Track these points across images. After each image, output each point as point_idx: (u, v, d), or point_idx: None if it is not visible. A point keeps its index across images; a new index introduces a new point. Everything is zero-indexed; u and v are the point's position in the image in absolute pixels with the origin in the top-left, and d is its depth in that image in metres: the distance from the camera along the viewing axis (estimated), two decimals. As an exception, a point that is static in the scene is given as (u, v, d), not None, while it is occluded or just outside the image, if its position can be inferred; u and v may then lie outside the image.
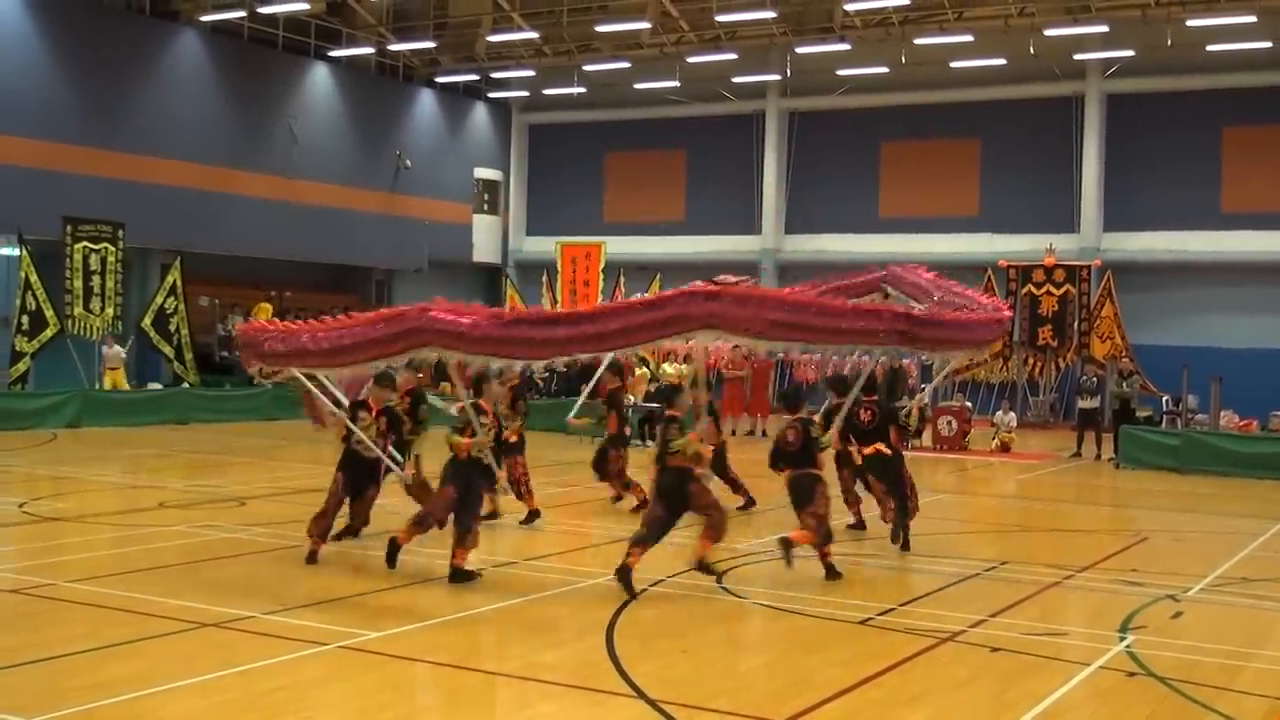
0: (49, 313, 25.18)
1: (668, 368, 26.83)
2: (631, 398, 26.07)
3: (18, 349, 24.98)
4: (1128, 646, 9.28)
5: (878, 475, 13.59)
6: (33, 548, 12.64)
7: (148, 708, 7.26)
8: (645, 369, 26.58)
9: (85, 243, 26.01)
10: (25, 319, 25.00)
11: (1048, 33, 32.04)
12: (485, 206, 40.19)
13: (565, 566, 11.93)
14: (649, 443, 24.25)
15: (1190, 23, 30.41)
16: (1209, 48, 31.16)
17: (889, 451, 13.36)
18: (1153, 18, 31.25)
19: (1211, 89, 32.37)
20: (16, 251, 25.75)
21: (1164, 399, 26.59)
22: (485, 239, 40.02)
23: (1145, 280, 32.57)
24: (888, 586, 11.47)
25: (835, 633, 9.70)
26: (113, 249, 26.44)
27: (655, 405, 24.87)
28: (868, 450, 13.52)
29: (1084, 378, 25.64)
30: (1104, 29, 31.73)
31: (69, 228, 25.73)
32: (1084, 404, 24.83)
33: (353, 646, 8.73)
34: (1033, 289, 32.06)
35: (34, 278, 25.03)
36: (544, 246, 36.89)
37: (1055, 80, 33.85)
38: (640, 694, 7.77)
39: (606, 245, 31.70)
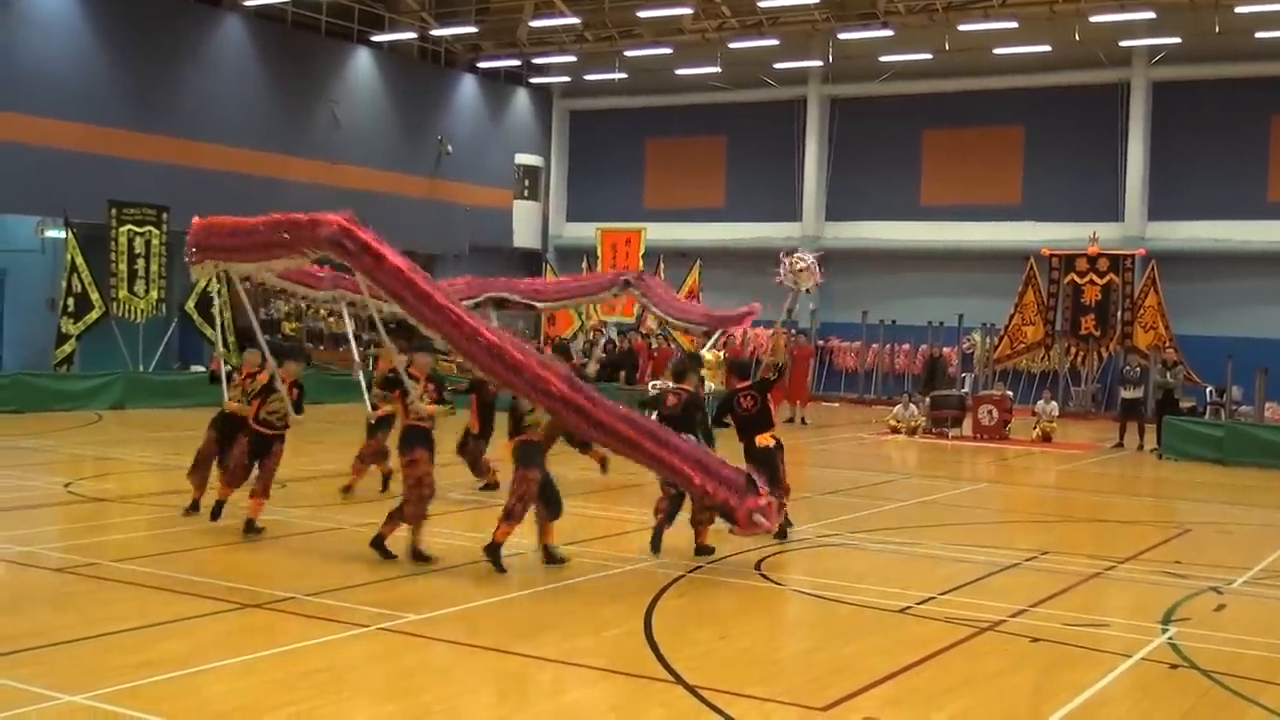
0: (94, 295, 25.41)
1: (705, 354, 26.81)
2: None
3: (63, 331, 25.24)
4: (1170, 638, 9.21)
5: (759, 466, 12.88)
6: (78, 527, 12.80)
7: (191, 686, 7.33)
8: (712, 354, 26.54)
9: (130, 226, 26.22)
10: (71, 301, 25.23)
11: (1093, 19, 31.74)
12: (526, 192, 40.28)
13: (603, 552, 11.94)
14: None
15: (1239, 9, 30.04)
16: (1257, 34, 30.79)
17: (772, 443, 12.71)
18: (1200, 4, 30.89)
19: (1259, 76, 32.00)
20: (63, 234, 26.00)
21: (1208, 390, 26.36)
22: (526, 224, 40.13)
23: (1190, 270, 32.24)
24: (927, 575, 11.42)
25: (874, 621, 9.67)
26: (157, 232, 26.65)
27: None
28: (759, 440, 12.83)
29: (1127, 368, 25.45)
30: (1150, 16, 31.39)
31: (114, 211, 25.95)
32: (1127, 394, 24.63)
33: (393, 629, 8.79)
34: (1075, 278, 31.82)
35: (80, 260, 25.25)
36: (584, 232, 36.93)
37: (1100, 67, 33.55)
38: (678, 679, 7.78)
39: (647, 231, 31.70)
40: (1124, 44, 32.83)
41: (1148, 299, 31.32)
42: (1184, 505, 17.49)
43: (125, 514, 13.28)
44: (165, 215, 26.71)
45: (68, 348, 25.30)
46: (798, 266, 13.86)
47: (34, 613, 9.06)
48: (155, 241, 26.59)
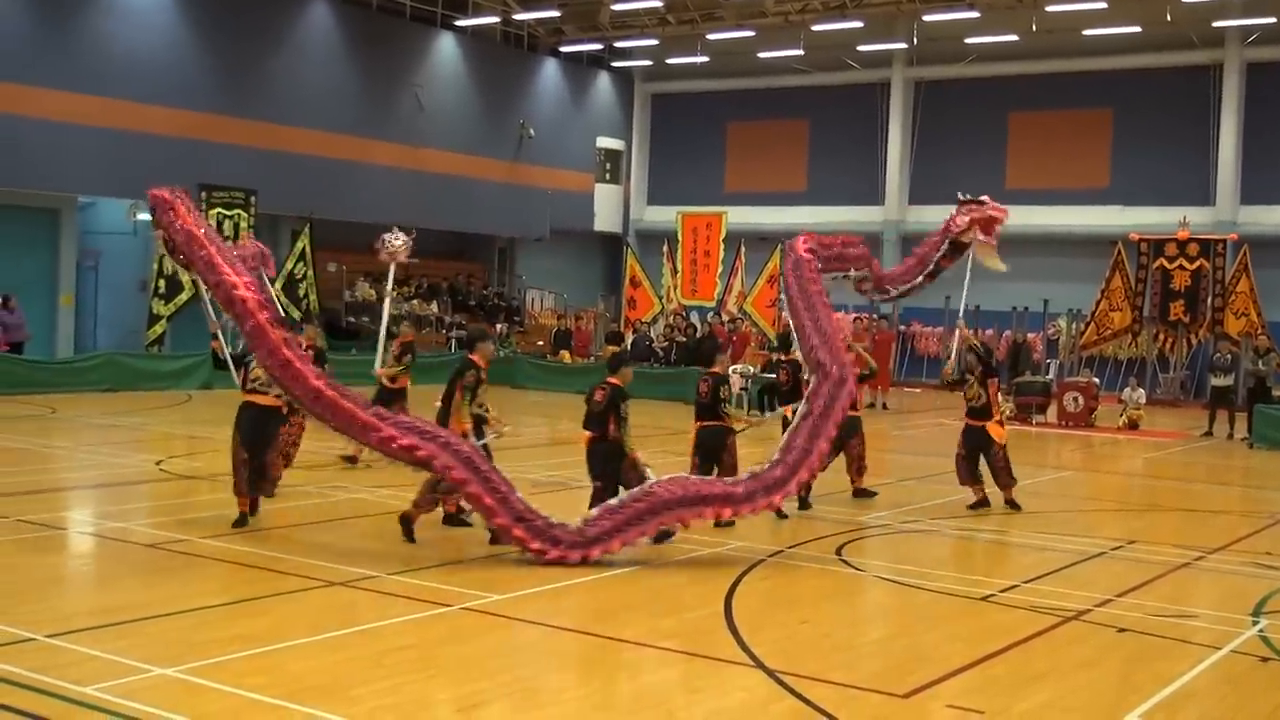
0: (184, 277, 25.76)
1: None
2: (752, 369, 26.02)
3: (155, 312, 25.74)
4: (1261, 631, 9.04)
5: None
6: (168, 504, 13.07)
7: (277, 662, 7.46)
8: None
9: (219, 209, 26.64)
10: (162, 283, 25.72)
11: (1185, -1, 31.11)
12: (607, 176, 40.37)
13: (684, 534, 11.94)
14: (768, 414, 24.18)
15: (1338, -13, 29.31)
16: (1357, 14, 30.01)
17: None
18: (1297, -17, 30.16)
19: (1358, 56, 31.21)
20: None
21: (1301, 378, 25.76)
22: (607, 208, 40.21)
23: (1284, 255, 31.53)
24: (1010, 563, 11.32)
25: (956, 608, 9.60)
26: (245, 215, 27.06)
27: (772, 375, 24.81)
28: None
29: (1217, 355, 24.96)
30: (1244, -5, 30.72)
31: (204, 194, 26.36)
32: (1217, 381, 24.15)
33: (476, 609, 8.88)
34: (1165, 263, 31.20)
35: (170, 243, 25.69)
36: (665, 216, 36.90)
37: (1192, 48, 32.88)
38: (758, 663, 7.78)
39: (728, 215, 31.58)
40: (1217, 24, 32.12)
41: (1239, 285, 30.61)
42: (1275, 495, 17.12)
43: (214, 492, 13.51)
44: (253, 198, 27.12)
45: (159, 328, 25.80)
46: (395, 244, 16.02)
47: (127, 587, 9.27)
48: (244, 224, 26.99)
